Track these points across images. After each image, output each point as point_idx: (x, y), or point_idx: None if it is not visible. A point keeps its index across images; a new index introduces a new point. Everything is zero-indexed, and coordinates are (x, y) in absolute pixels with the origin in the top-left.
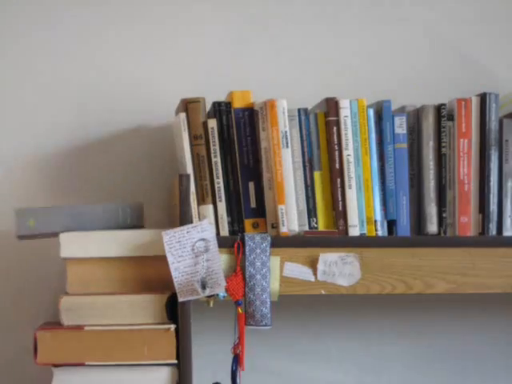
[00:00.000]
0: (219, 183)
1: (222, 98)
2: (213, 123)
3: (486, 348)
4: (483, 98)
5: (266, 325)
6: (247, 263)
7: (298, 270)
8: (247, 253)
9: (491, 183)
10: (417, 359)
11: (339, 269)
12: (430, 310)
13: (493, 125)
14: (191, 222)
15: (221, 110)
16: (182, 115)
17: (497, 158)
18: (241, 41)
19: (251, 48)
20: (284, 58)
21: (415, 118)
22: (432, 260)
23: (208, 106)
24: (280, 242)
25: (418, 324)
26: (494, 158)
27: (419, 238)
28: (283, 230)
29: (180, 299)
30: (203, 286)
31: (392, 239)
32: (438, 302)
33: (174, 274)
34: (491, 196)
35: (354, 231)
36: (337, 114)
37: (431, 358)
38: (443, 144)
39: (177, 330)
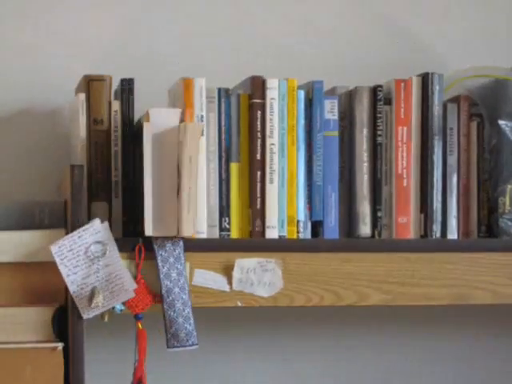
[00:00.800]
0: (117, 176)
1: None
2: (117, 105)
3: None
4: (425, 79)
5: (192, 344)
6: (162, 276)
7: (210, 279)
8: (160, 264)
9: (434, 178)
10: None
11: (258, 277)
12: (363, 322)
13: (436, 110)
14: (83, 223)
15: (129, 89)
16: (82, 96)
17: (440, 148)
18: (153, 9)
19: (164, 20)
20: (204, 30)
21: (347, 102)
22: (365, 267)
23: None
24: (189, 246)
25: (347, 339)
26: (437, 148)
27: (350, 241)
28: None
29: (84, 316)
30: (90, 297)
31: (319, 243)
32: (374, 314)
33: (71, 288)
34: (434, 193)
35: (272, 233)
36: (263, 96)
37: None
38: (379, 132)
39: (66, 350)
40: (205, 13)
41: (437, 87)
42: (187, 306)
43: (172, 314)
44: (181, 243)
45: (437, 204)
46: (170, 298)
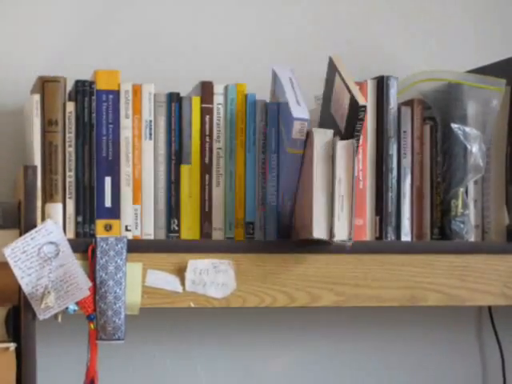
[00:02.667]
0: (71, 177)
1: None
2: (71, 107)
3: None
4: (380, 82)
5: (118, 338)
6: (98, 267)
7: (163, 279)
8: (98, 255)
9: (389, 181)
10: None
11: (211, 278)
12: (315, 322)
13: (391, 113)
14: (36, 224)
15: (84, 90)
16: (36, 97)
17: (395, 151)
18: (115, 9)
19: (127, 19)
20: (164, 32)
21: None
22: (319, 268)
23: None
24: (142, 247)
25: (303, 339)
26: (392, 151)
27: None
28: (136, 233)
29: (40, 317)
30: (42, 298)
31: (273, 244)
32: (328, 315)
33: (26, 289)
34: (390, 195)
35: (218, 235)
36: (211, 101)
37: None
38: None
39: (18, 351)
40: (158, 14)
41: (392, 90)
42: (120, 301)
43: (102, 305)
44: (125, 239)
45: (392, 206)
46: (103, 289)
